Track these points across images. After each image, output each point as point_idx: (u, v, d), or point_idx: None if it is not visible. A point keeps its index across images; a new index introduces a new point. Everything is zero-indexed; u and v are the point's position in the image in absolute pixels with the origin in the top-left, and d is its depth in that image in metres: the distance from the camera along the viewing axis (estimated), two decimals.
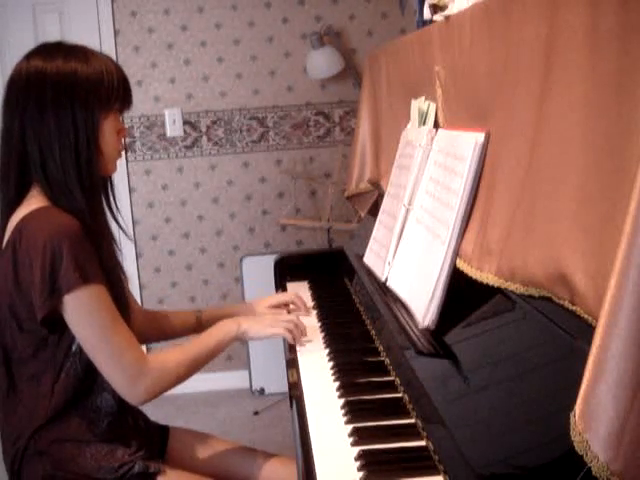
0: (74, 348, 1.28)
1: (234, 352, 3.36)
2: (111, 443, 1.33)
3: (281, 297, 1.77)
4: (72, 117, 1.27)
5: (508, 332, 0.99)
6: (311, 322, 1.67)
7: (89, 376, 1.30)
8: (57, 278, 1.19)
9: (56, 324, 1.24)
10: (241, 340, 1.48)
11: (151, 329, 1.64)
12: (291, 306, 1.73)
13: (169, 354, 1.37)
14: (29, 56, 1.31)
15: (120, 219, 1.46)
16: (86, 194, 1.28)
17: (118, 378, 1.27)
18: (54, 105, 1.26)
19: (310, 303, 1.81)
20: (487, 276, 1.03)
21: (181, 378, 1.35)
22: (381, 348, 1.43)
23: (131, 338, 1.28)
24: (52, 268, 1.19)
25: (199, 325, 1.67)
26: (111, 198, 1.43)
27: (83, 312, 1.23)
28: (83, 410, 1.31)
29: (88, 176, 1.29)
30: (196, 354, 1.37)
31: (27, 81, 1.28)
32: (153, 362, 1.30)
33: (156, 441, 1.50)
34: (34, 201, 1.28)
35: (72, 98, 1.27)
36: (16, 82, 1.29)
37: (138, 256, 3.34)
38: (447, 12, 1.29)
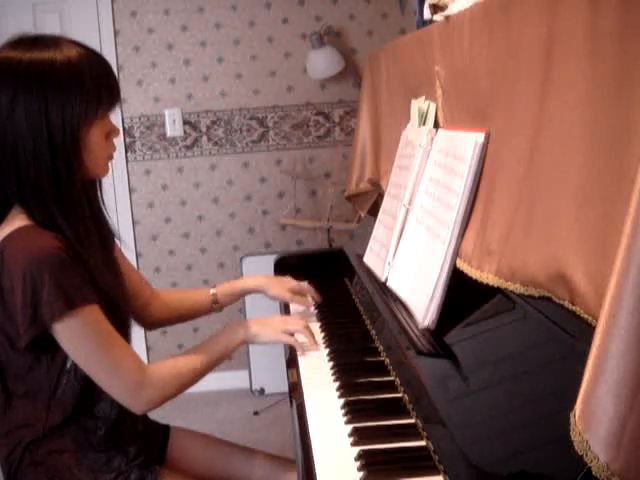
0: (68, 365, 1.25)
1: (234, 352, 3.35)
2: (108, 451, 1.31)
3: (302, 286, 1.73)
4: (49, 142, 1.17)
5: (508, 332, 0.99)
6: (311, 322, 1.67)
7: (86, 391, 1.27)
8: (39, 307, 1.14)
9: (43, 346, 1.21)
10: (250, 343, 1.47)
11: (168, 314, 1.63)
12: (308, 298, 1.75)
13: (170, 362, 1.34)
14: (2, 47, 1.21)
15: (110, 220, 1.38)
16: (67, 214, 1.21)
17: (119, 393, 1.25)
18: (25, 102, 1.16)
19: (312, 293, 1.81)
20: (487, 276, 1.03)
21: (184, 385, 1.33)
22: (381, 348, 1.43)
23: (127, 351, 1.25)
24: (33, 297, 1.14)
25: (216, 303, 1.65)
26: (100, 201, 1.35)
27: (74, 336, 1.19)
28: (81, 420, 1.28)
29: (68, 197, 1.21)
30: (199, 362, 1.35)
31: None
32: (153, 372, 1.27)
33: (156, 442, 1.50)
34: (15, 219, 1.21)
35: (47, 120, 1.16)
36: None
37: (138, 256, 3.33)
38: (447, 12, 1.29)
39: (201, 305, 1.65)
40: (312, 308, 1.75)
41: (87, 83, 1.19)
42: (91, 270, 1.24)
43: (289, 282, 1.72)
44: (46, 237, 1.18)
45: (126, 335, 1.36)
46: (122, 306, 1.34)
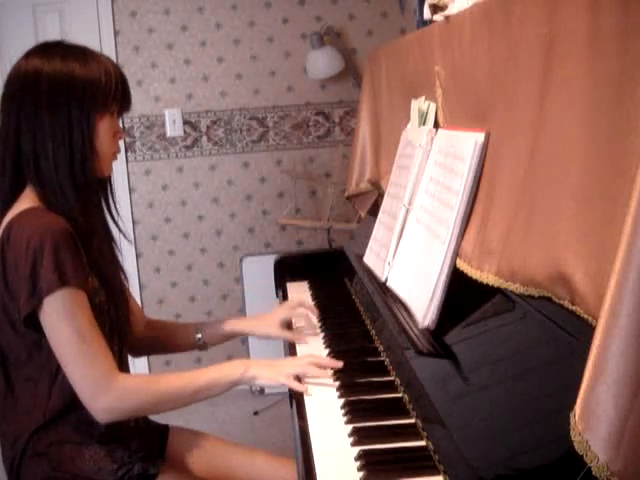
0: None
1: (234, 352, 3.35)
2: (110, 444, 1.32)
3: (292, 312, 1.63)
4: (67, 116, 1.26)
5: (508, 332, 0.99)
6: (311, 322, 1.67)
7: None
8: (38, 278, 1.17)
9: (40, 326, 1.22)
10: (247, 384, 1.35)
11: (152, 340, 1.60)
12: (296, 325, 1.64)
13: (146, 379, 1.32)
14: (28, 55, 1.30)
15: (120, 222, 1.44)
16: (79, 193, 1.27)
17: (83, 388, 1.22)
18: (50, 104, 1.25)
19: (310, 303, 1.81)
20: (487, 276, 1.03)
21: (153, 406, 1.28)
22: (381, 348, 1.43)
23: (103, 351, 1.23)
24: (33, 268, 1.17)
25: (201, 342, 1.60)
26: (111, 201, 1.41)
27: (57, 315, 1.19)
28: (82, 411, 1.28)
29: (82, 175, 1.28)
30: (180, 387, 1.29)
31: (24, 80, 1.27)
32: (122, 382, 1.23)
33: (155, 441, 1.50)
34: (26, 201, 1.27)
35: (68, 98, 1.26)
36: (13, 80, 1.29)
37: (138, 256, 3.33)
38: (447, 12, 1.29)
39: (186, 341, 1.60)
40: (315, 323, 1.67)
41: (104, 82, 1.29)
42: (94, 258, 1.27)
43: (278, 316, 1.59)
44: (52, 215, 1.23)
45: (121, 331, 1.38)
46: (120, 301, 1.35)
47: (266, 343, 3.19)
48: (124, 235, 1.45)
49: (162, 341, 1.62)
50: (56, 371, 1.26)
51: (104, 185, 1.40)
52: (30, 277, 1.17)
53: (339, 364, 1.34)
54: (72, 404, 1.28)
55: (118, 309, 1.35)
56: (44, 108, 1.25)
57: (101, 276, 1.30)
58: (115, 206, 1.43)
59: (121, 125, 1.41)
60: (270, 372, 1.32)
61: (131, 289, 1.57)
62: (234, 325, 1.61)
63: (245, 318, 1.69)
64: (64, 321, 1.20)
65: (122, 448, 1.33)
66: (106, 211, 1.41)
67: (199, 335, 1.58)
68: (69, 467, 1.28)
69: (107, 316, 1.31)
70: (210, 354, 3.30)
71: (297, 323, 1.65)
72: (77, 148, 1.27)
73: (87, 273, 1.25)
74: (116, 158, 1.38)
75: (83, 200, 1.28)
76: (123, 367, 1.39)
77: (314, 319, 1.65)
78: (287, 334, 1.58)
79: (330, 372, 1.34)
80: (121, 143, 1.41)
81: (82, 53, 1.30)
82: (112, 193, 1.42)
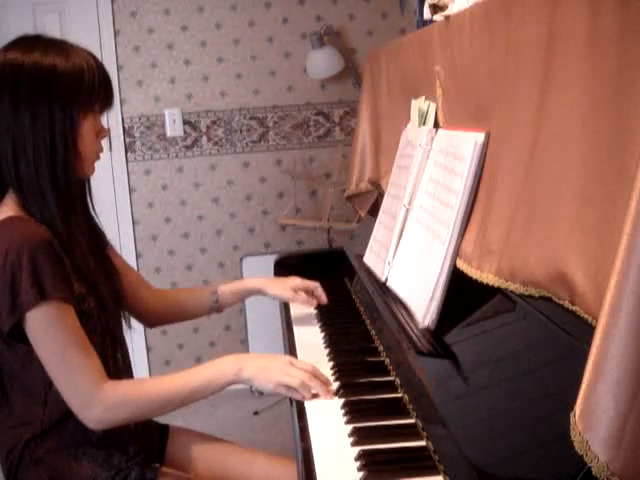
0: None
1: (234, 352, 3.35)
2: (107, 449, 1.30)
3: (308, 283, 1.67)
4: (49, 115, 1.20)
5: (508, 332, 0.99)
6: (311, 322, 1.67)
7: None
8: (18, 293, 1.15)
9: (26, 338, 1.20)
10: (241, 383, 1.30)
11: (164, 309, 1.61)
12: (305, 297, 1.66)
13: (135, 385, 1.30)
14: (6, 49, 1.24)
15: (99, 223, 1.40)
16: (60, 198, 1.22)
17: (72, 400, 1.21)
18: (29, 101, 1.20)
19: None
20: (487, 276, 1.03)
21: (145, 412, 1.27)
22: (381, 348, 1.43)
23: (89, 361, 1.21)
24: (12, 282, 1.14)
25: (216, 303, 1.62)
26: (89, 202, 1.37)
27: (40, 329, 1.18)
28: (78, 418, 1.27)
29: (64, 179, 1.23)
30: (171, 390, 1.26)
31: (2, 75, 1.21)
32: (109, 391, 1.21)
33: (155, 441, 1.50)
34: (5, 209, 1.23)
35: (49, 94, 1.20)
36: None
37: (138, 256, 3.33)
38: (447, 12, 1.29)
39: (201, 305, 1.64)
40: (312, 308, 1.73)
41: (87, 77, 1.24)
42: (79, 264, 1.24)
43: (292, 281, 1.66)
44: (33, 226, 1.19)
45: (114, 334, 1.37)
46: (110, 305, 1.33)
47: (266, 344, 3.20)
48: (103, 237, 1.41)
49: (175, 310, 1.63)
50: (50, 380, 1.24)
51: (82, 186, 1.35)
52: (10, 292, 1.15)
53: (331, 387, 1.27)
54: (69, 411, 1.26)
55: (108, 313, 1.32)
56: (23, 106, 1.20)
57: (87, 282, 1.27)
58: (93, 206, 1.38)
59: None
60: (263, 375, 1.27)
61: None
62: (248, 283, 1.67)
63: (259, 277, 1.73)
64: (47, 334, 1.18)
65: (120, 453, 1.32)
66: (87, 210, 1.37)
67: (214, 298, 1.62)
68: (66, 474, 1.27)
69: (97, 321, 1.29)
70: (210, 355, 3.31)
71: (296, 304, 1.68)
72: (59, 150, 1.22)
73: (71, 282, 1.22)
74: (99, 158, 1.33)
75: (64, 204, 1.23)
76: (122, 371, 1.38)
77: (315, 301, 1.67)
78: (298, 297, 1.62)
79: (329, 385, 1.29)
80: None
81: (63, 47, 1.24)
82: (90, 193, 1.37)
